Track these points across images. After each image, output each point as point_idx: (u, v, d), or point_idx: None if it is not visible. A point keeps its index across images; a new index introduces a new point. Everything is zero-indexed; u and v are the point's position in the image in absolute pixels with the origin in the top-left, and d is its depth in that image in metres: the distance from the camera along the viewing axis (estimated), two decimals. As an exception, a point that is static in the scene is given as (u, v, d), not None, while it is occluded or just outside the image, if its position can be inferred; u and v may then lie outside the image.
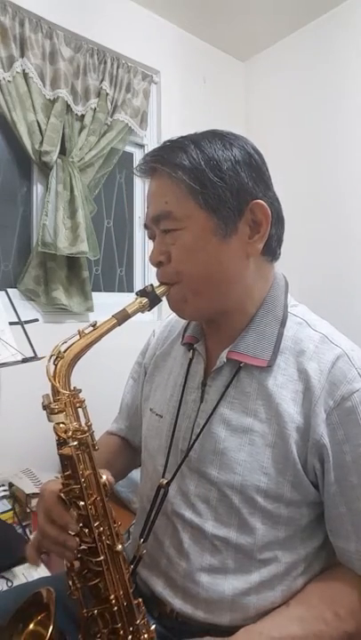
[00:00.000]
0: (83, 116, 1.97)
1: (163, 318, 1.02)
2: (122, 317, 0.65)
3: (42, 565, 1.19)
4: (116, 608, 0.61)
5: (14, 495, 1.52)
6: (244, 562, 0.66)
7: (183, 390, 0.75)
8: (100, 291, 2.20)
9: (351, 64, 2.12)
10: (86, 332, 0.63)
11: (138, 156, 2.35)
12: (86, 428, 0.61)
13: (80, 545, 0.60)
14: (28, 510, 1.44)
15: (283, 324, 0.70)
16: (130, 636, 0.61)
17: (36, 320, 1.71)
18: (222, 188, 0.63)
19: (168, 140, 0.69)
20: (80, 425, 0.62)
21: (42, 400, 0.61)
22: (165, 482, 0.72)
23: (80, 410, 0.63)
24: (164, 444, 0.76)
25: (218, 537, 0.67)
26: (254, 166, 0.67)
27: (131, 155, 2.32)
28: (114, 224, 2.27)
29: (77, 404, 0.63)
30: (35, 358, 1.47)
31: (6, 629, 0.62)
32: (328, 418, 0.63)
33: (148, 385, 0.87)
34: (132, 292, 2.34)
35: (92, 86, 1.97)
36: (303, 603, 0.66)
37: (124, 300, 2.43)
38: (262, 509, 0.65)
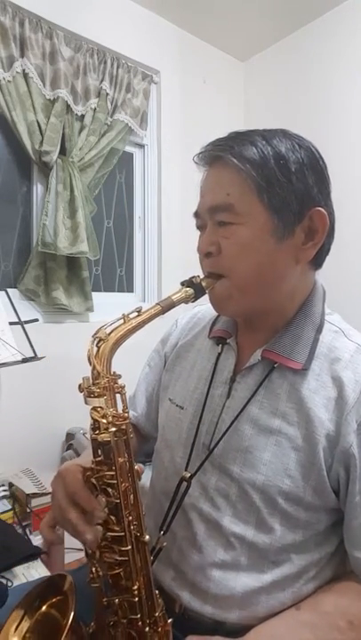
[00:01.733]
0: (83, 116, 1.97)
1: (165, 317, 1.01)
2: (167, 305, 0.64)
3: (42, 565, 1.19)
4: (137, 599, 0.60)
5: (14, 495, 1.52)
6: (257, 561, 0.66)
7: (210, 384, 0.75)
8: (100, 291, 2.20)
9: (350, 64, 2.12)
10: (131, 317, 0.62)
11: (138, 156, 2.36)
12: (125, 415, 0.60)
13: (106, 533, 0.59)
14: (28, 510, 1.44)
15: (319, 330, 0.69)
16: (147, 628, 0.61)
17: (36, 320, 1.72)
18: (288, 190, 0.62)
19: (234, 132, 0.67)
20: (117, 411, 0.60)
21: (81, 382, 0.60)
22: (189, 475, 0.71)
23: (118, 396, 0.62)
24: (185, 435, 0.75)
25: (234, 533, 0.66)
26: (320, 172, 0.66)
27: (131, 155, 2.33)
28: (114, 224, 2.27)
29: (116, 390, 0.61)
30: (35, 358, 1.47)
31: (21, 606, 0.62)
32: (359, 428, 0.62)
33: (168, 374, 0.86)
34: (132, 292, 2.34)
35: (92, 86, 1.98)
36: (316, 609, 0.65)
37: (124, 299, 2.43)
38: (282, 511, 0.65)
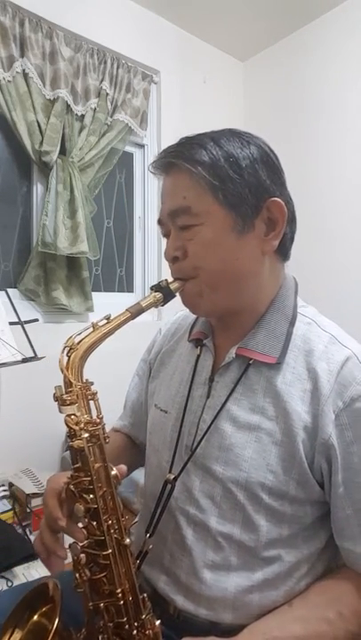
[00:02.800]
0: (83, 116, 1.97)
1: (162, 318, 1.01)
2: (136, 311, 0.65)
3: (42, 565, 1.19)
4: (122, 602, 0.60)
5: (14, 495, 1.52)
6: (247, 559, 0.66)
7: (191, 386, 0.76)
8: (100, 291, 2.20)
9: (350, 64, 2.12)
10: (100, 324, 0.63)
11: (138, 156, 2.36)
12: (98, 421, 0.61)
13: (87, 538, 0.60)
14: (28, 510, 1.44)
15: (292, 323, 0.70)
16: (135, 631, 0.61)
17: (36, 320, 1.71)
18: (241, 185, 0.64)
19: (185, 137, 0.69)
20: (91, 417, 0.61)
21: (54, 391, 0.61)
22: (173, 477, 0.72)
23: (91, 402, 0.63)
24: (169, 439, 0.76)
25: (222, 533, 0.67)
26: (271, 165, 0.68)
27: (131, 155, 2.33)
28: (114, 224, 2.27)
29: (89, 397, 0.62)
30: (35, 358, 1.47)
31: (11, 618, 0.62)
32: (337, 418, 0.63)
33: (154, 381, 0.87)
34: (132, 292, 2.34)
35: (92, 86, 1.98)
36: (306, 603, 0.66)
37: (124, 300, 2.43)
38: (267, 506, 0.65)
